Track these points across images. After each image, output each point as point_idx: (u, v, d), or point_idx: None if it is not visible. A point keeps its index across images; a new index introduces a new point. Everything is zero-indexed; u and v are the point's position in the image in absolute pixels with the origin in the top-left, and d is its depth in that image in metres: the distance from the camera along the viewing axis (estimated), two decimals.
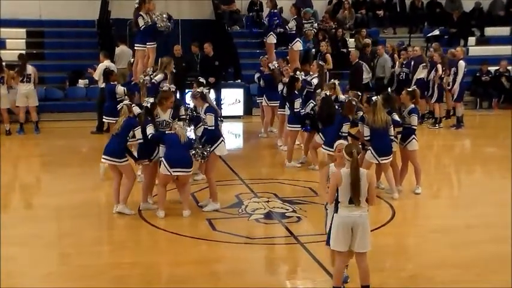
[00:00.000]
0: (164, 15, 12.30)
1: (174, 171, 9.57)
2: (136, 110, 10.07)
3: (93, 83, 17.64)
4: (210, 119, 9.95)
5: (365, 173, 6.84)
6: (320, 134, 11.95)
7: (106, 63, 15.78)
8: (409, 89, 11.43)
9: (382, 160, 10.57)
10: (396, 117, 10.70)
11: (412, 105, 11.01)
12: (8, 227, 9.30)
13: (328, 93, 11.98)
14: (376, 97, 10.58)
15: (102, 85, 15.66)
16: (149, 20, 12.32)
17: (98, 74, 15.91)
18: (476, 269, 8.04)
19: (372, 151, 10.50)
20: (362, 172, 6.79)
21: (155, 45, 12.58)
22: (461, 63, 17.02)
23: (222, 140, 10.06)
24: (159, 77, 11.77)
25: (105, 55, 16.18)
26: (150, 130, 9.70)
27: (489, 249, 8.66)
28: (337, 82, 12.54)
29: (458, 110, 17.39)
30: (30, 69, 16.05)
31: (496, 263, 8.22)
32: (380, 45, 19.02)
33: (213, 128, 9.95)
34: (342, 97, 12.17)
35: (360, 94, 12.86)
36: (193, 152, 9.75)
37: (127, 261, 8.33)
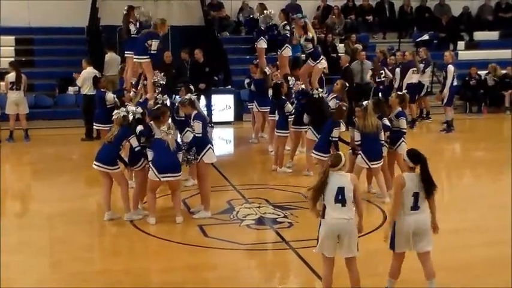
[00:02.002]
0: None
1: (162, 177, 9.56)
2: (130, 116, 10.07)
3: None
4: (197, 127, 9.93)
5: (349, 177, 6.94)
6: (311, 129, 12.05)
7: (89, 70, 15.79)
8: (399, 93, 11.46)
9: (372, 165, 10.61)
10: (387, 122, 10.79)
11: (399, 109, 11.06)
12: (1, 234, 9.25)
13: (320, 95, 12.09)
14: (366, 102, 10.62)
15: (85, 92, 15.71)
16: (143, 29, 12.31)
17: (81, 81, 15.92)
18: (469, 272, 8.07)
19: (363, 156, 10.53)
20: (346, 176, 6.91)
21: None
22: (450, 68, 17.09)
23: (210, 147, 10.00)
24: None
25: (88, 62, 16.15)
26: (139, 128, 9.75)
27: (481, 252, 8.71)
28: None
29: (448, 114, 17.45)
30: (20, 76, 15.99)
31: (489, 265, 8.26)
32: (362, 51, 19.03)
33: (200, 135, 9.93)
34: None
35: (348, 85, 12.93)
36: (180, 156, 9.76)
37: (118, 268, 8.32)
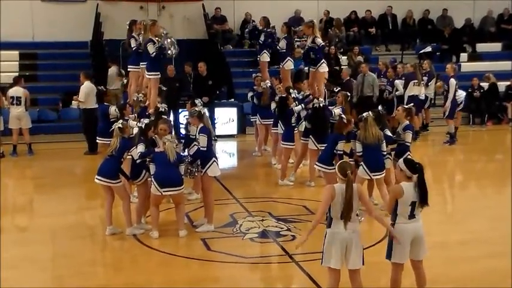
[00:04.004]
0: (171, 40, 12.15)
1: (164, 191, 9.56)
2: (134, 130, 10.08)
3: None
4: (202, 140, 9.92)
5: (356, 188, 6.95)
6: (311, 137, 12.14)
7: (87, 84, 15.87)
8: (405, 106, 11.45)
9: (374, 176, 10.59)
10: (389, 133, 10.78)
11: (407, 122, 11.03)
12: (2, 249, 9.24)
13: (321, 105, 12.14)
14: (367, 113, 10.63)
15: (84, 106, 15.77)
16: (141, 41, 12.34)
17: (83, 96, 15.93)
18: (472, 284, 8.02)
19: (364, 167, 10.51)
20: (354, 188, 6.88)
21: None
22: (452, 81, 17.13)
23: (214, 161, 10.00)
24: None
25: (86, 76, 16.22)
26: (140, 149, 9.73)
27: (485, 264, 8.66)
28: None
29: (451, 127, 17.46)
30: (20, 91, 16.03)
31: (492, 278, 8.22)
32: (363, 63, 19.04)
33: (205, 148, 9.93)
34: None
35: (349, 95, 13.03)
36: (182, 168, 9.77)
37: (121, 282, 8.30)
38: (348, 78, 17.76)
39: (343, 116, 11.23)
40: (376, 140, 10.44)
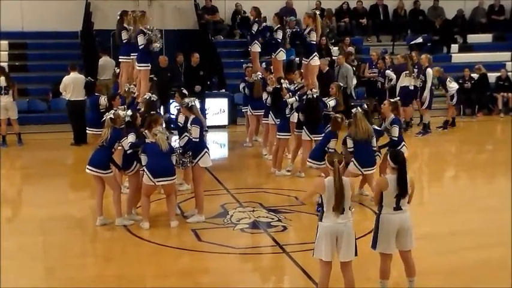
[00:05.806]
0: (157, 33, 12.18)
1: (157, 181, 9.55)
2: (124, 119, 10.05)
3: None
4: (195, 131, 9.90)
5: (348, 181, 6.96)
6: (305, 128, 12.15)
7: (72, 75, 15.79)
8: (391, 100, 11.45)
9: (365, 171, 10.59)
10: (375, 127, 10.86)
11: (393, 116, 11.00)
12: (2, 240, 9.22)
13: (315, 95, 12.12)
14: (355, 109, 10.62)
15: (67, 97, 15.71)
16: (132, 32, 12.30)
17: (61, 86, 15.89)
18: (462, 275, 8.05)
19: (355, 163, 10.50)
20: (345, 181, 6.89)
21: None
22: (429, 71, 17.23)
23: (206, 152, 10.00)
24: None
25: (72, 67, 16.14)
26: (131, 139, 9.72)
27: (474, 256, 8.69)
28: None
29: (425, 117, 17.51)
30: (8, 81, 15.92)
31: (482, 269, 8.27)
32: (341, 55, 18.97)
33: (197, 139, 9.91)
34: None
35: (342, 85, 13.02)
36: (173, 158, 9.75)
37: (112, 273, 8.30)
38: (327, 69, 17.62)
39: (337, 115, 11.12)
40: (367, 135, 10.44)
